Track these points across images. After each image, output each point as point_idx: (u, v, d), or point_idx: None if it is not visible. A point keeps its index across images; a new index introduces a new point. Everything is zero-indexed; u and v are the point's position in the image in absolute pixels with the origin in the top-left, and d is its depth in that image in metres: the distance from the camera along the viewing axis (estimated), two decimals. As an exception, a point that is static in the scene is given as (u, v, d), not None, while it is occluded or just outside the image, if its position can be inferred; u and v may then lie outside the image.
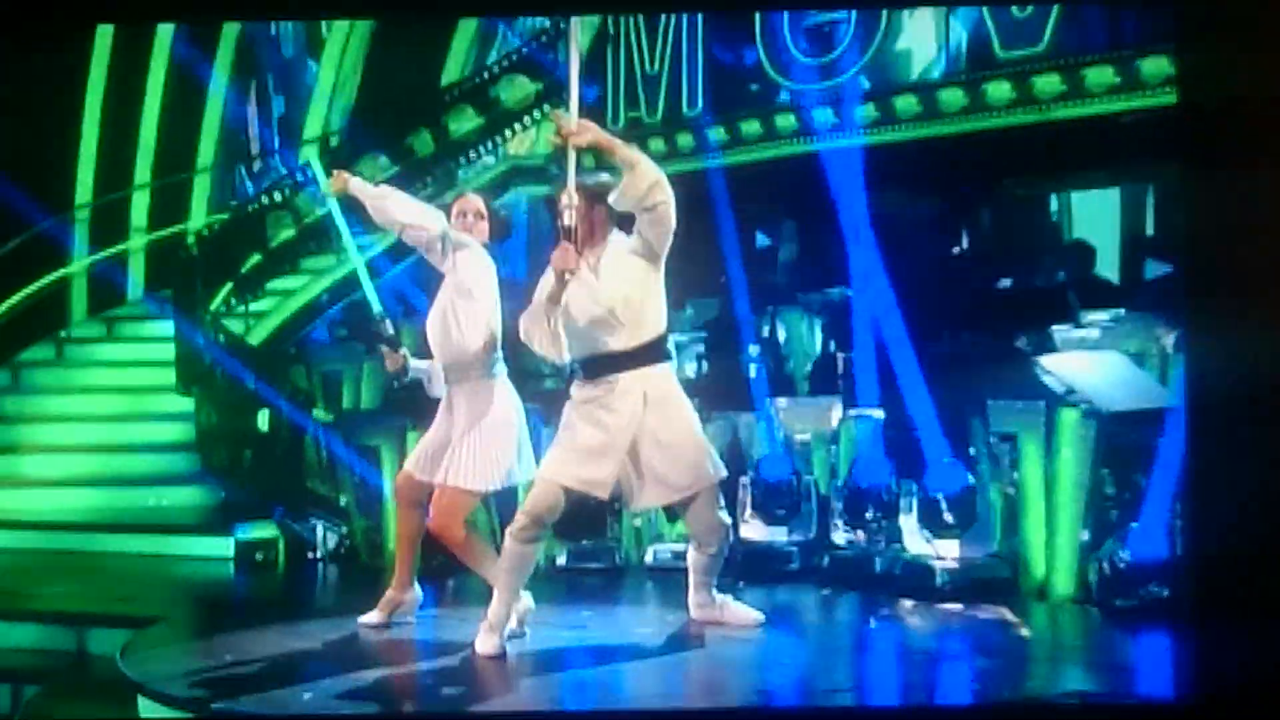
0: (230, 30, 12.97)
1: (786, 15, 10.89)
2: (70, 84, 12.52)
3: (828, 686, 6.05)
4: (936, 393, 8.18)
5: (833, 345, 9.72)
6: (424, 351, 6.70)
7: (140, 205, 12.77)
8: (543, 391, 9.10)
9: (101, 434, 10.62)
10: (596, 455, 6.19)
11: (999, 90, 10.24)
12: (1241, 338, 5.17)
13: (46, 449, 10.54)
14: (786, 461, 8.16)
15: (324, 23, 13.15)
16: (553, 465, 6.28)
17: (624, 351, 6.18)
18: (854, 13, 10.65)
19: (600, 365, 6.21)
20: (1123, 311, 9.11)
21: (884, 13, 10.61)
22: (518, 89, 11.87)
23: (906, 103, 10.65)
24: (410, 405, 7.59)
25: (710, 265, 9.75)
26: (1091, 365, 8.16)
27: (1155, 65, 9.18)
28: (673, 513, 8.07)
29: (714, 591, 6.70)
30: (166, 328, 11.11)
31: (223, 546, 9.02)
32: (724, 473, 6.51)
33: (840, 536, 7.95)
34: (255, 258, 11.34)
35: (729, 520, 6.62)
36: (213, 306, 10.83)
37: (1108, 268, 10.66)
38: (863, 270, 9.62)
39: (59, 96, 12.28)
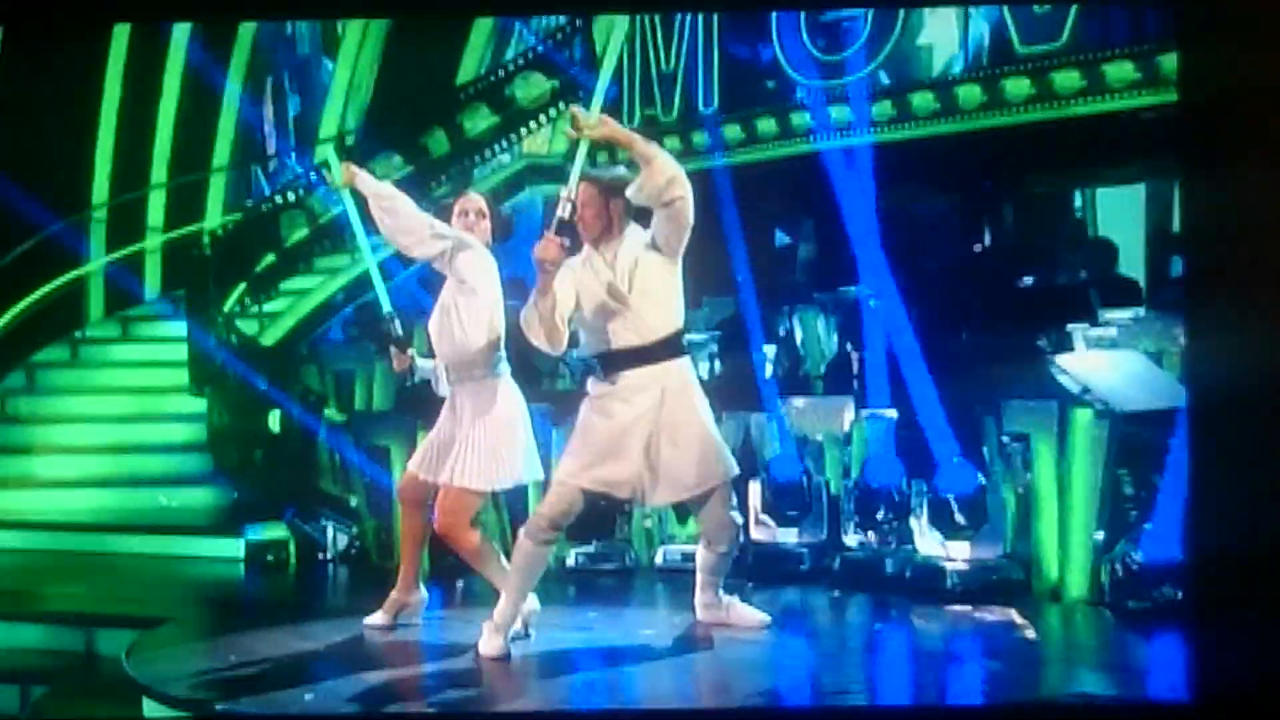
0: (246, 30, 12.95)
1: (803, 13, 10.83)
2: (87, 84, 12.52)
3: (832, 687, 6.01)
4: (950, 392, 8.11)
5: (846, 345, 9.64)
6: (433, 351, 6.66)
7: (156, 205, 12.75)
8: (553, 392, 9.08)
9: (115, 435, 10.59)
10: (613, 453, 6.15)
11: (1018, 86, 10.18)
12: (1243, 337, 5.10)
13: (60, 450, 10.52)
14: (798, 462, 8.09)
15: (340, 22, 13.14)
16: (570, 466, 6.24)
17: (640, 347, 6.16)
18: (870, 10, 10.58)
19: (617, 360, 6.18)
20: (1142, 310, 9.01)
21: (900, 10, 10.53)
22: (533, 87, 11.82)
23: (924, 99, 10.59)
24: (421, 405, 7.54)
25: (724, 264, 9.67)
26: (1108, 364, 8.05)
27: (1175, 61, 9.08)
28: (683, 513, 8.08)
29: (721, 592, 6.65)
30: (181, 328, 11.07)
31: (233, 547, 9.00)
32: (736, 470, 6.47)
33: (851, 538, 7.88)
34: (269, 258, 11.31)
35: (740, 520, 6.57)
36: (226, 307, 10.80)
37: (1130, 266, 10.55)
38: (878, 269, 9.53)
39: (76, 96, 12.30)
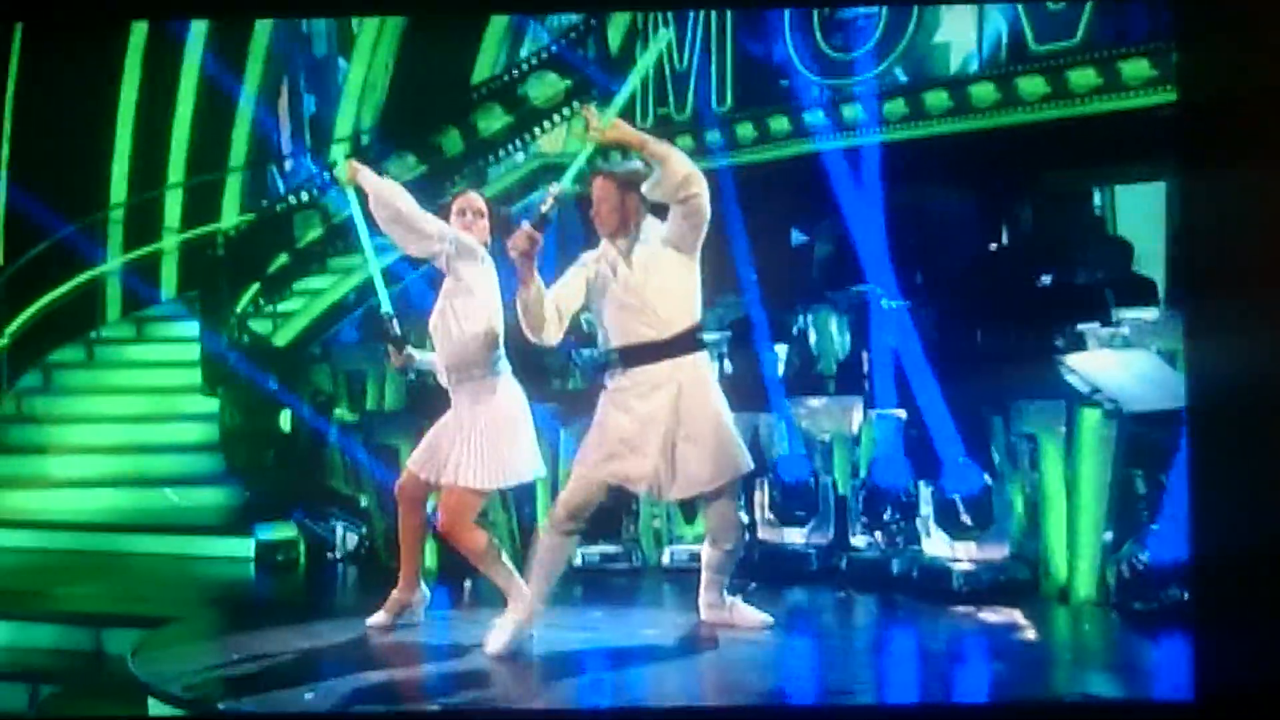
0: (262, 30, 12.98)
1: (816, 11, 10.80)
2: (104, 84, 12.58)
3: (836, 687, 5.98)
4: (959, 392, 8.07)
5: (856, 345, 9.61)
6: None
7: (173, 206, 12.80)
8: (561, 392, 9.08)
9: (129, 435, 10.63)
10: (631, 448, 6.15)
11: (1032, 84, 10.12)
12: (1242, 338, 5.06)
13: (74, 450, 10.56)
14: (806, 462, 8.06)
15: (355, 21, 13.17)
16: (589, 458, 6.25)
17: (657, 342, 6.15)
18: (884, 8, 10.54)
19: (633, 355, 6.18)
20: (1157, 309, 8.95)
21: (914, 8, 10.49)
22: (547, 86, 11.82)
23: (937, 98, 10.55)
24: (432, 406, 7.51)
25: (736, 263, 9.65)
26: (1119, 364, 8.00)
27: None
28: (691, 513, 8.06)
29: (725, 592, 6.62)
30: (196, 328, 11.10)
31: (244, 547, 9.01)
32: (751, 465, 6.46)
33: (859, 538, 7.84)
34: (282, 258, 11.32)
35: (745, 519, 6.55)
36: (239, 307, 10.82)
37: (1150, 265, 10.49)
38: (889, 268, 9.50)
39: (93, 97, 12.36)
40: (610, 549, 8.25)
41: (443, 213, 6.52)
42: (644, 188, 6.11)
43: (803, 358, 9.72)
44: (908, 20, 10.55)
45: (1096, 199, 12.10)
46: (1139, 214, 11.08)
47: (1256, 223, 5.02)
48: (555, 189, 5.98)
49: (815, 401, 8.42)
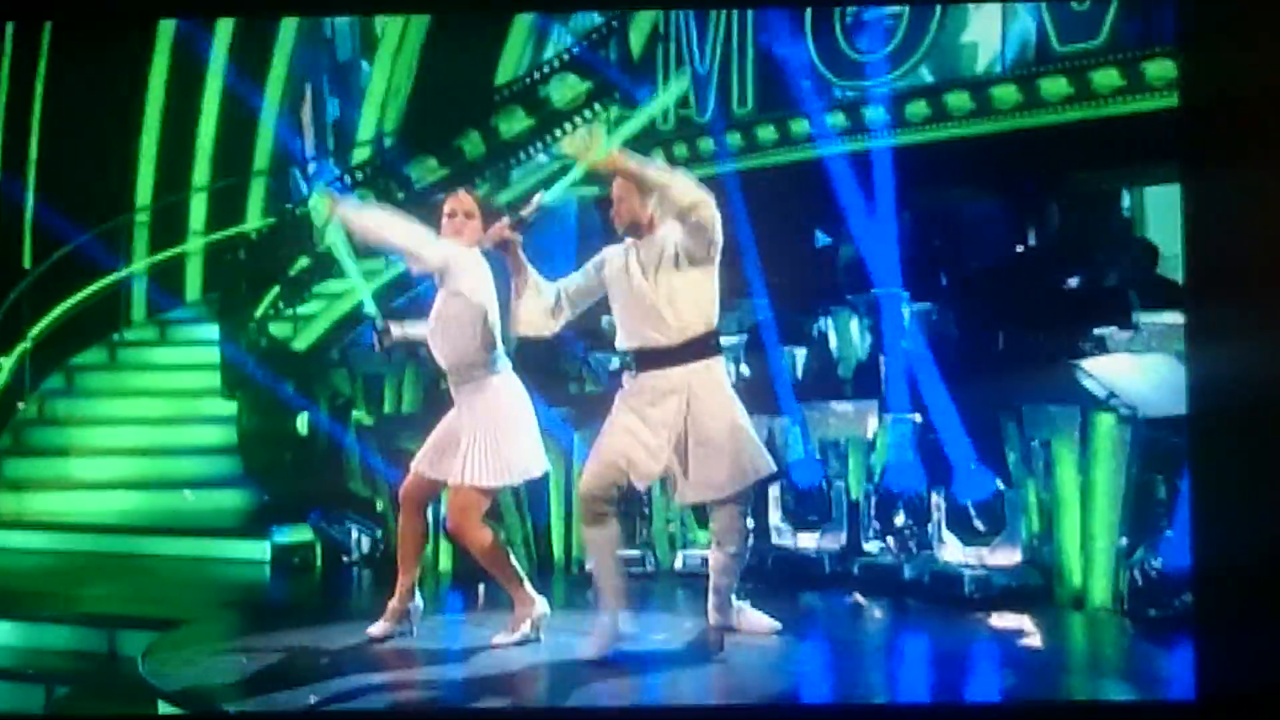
0: (286, 34, 13.01)
1: (838, 13, 10.75)
2: (131, 87, 12.64)
3: (843, 692, 6.00)
4: (976, 397, 8.00)
5: (871, 348, 9.55)
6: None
7: (198, 208, 12.86)
8: (574, 396, 9.06)
9: (149, 437, 10.69)
10: (642, 441, 6.12)
11: (1054, 86, 10.05)
12: (1245, 342, 5.00)
13: (94, 452, 10.62)
14: (819, 466, 8.02)
15: (378, 25, 13.20)
16: (601, 445, 6.22)
17: (671, 347, 6.10)
18: (906, 10, 10.49)
19: (647, 359, 6.15)
20: (1180, 312, 8.85)
21: (936, 9, 10.44)
22: (568, 89, 11.82)
23: (959, 99, 10.48)
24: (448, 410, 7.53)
25: (753, 267, 9.60)
26: (1136, 368, 7.93)
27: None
28: (704, 518, 8.00)
29: (733, 597, 6.58)
30: (217, 331, 11.15)
31: (260, 550, 9.03)
32: (773, 468, 6.43)
33: (871, 543, 7.80)
34: (303, 261, 11.34)
35: (751, 524, 6.50)
36: (259, 310, 10.85)
37: (1174, 268, 10.39)
38: (909, 271, 9.45)
39: (120, 100, 12.42)
40: (624, 553, 8.20)
41: (434, 211, 6.51)
42: (651, 203, 6.08)
43: (818, 361, 9.67)
44: (929, 22, 10.49)
45: (1125, 200, 12.01)
46: (1167, 216, 10.97)
47: (1259, 226, 4.96)
48: (540, 196, 5.99)
49: (830, 405, 8.37)
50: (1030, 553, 7.33)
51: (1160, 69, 9.52)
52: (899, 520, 7.67)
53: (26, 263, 11.84)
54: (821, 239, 11.53)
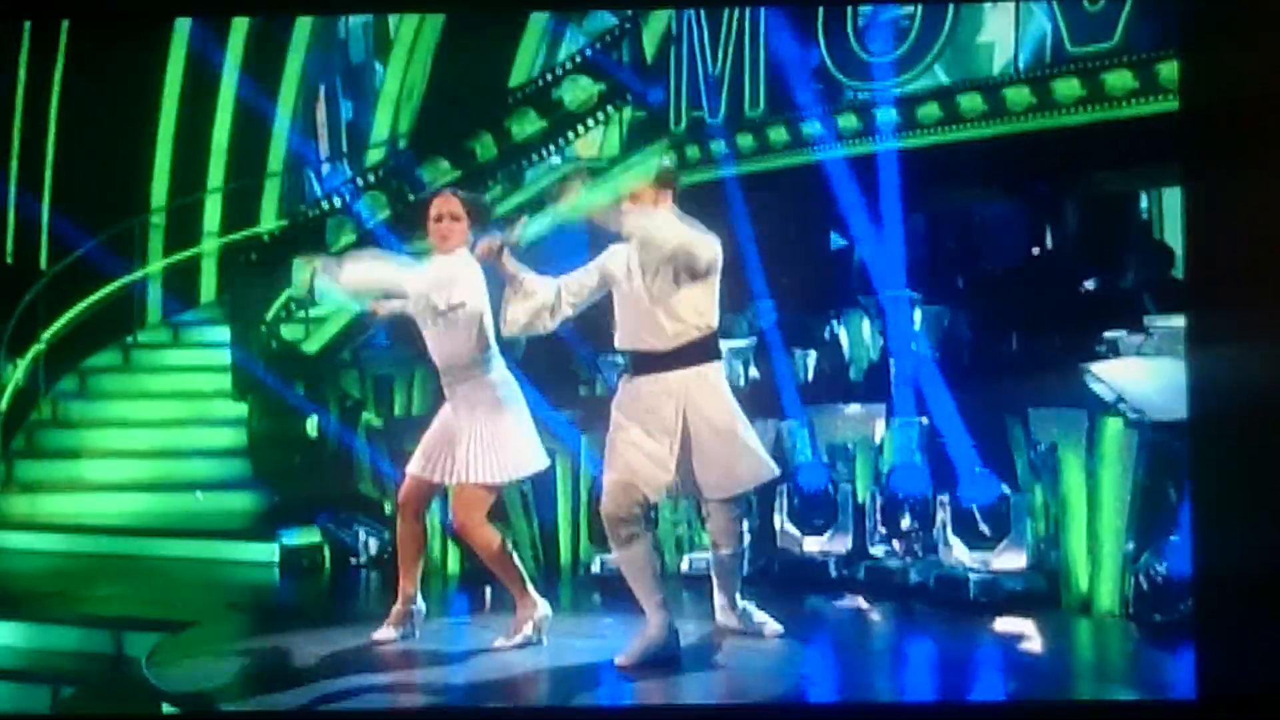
0: (300, 34, 13.03)
1: (849, 15, 10.72)
2: (146, 88, 12.67)
3: (845, 695, 6.01)
4: (985, 400, 7.99)
5: (878, 351, 9.52)
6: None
7: (213, 210, 12.88)
8: (583, 398, 9.05)
9: (161, 439, 10.69)
10: (646, 452, 6.09)
11: (1067, 87, 10.00)
12: (1246, 346, 4.97)
13: (107, 454, 10.64)
14: (825, 470, 7.99)
15: (392, 26, 13.21)
16: (610, 467, 6.19)
17: (665, 352, 6.08)
18: (919, 12, 10.46)
19: (643, 362, 6.13)
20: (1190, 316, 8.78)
21: (949, 11, 10.40)
22: (580, 91, 11.80)
23: (972, 101, 10.44)
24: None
25: (763, 270, 9.59)
26: (1145, 372, 7.87)
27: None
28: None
29: (738, 596, 6.55)
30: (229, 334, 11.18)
31: (269, 552, 9.05)
32: (775, 471, 6.41)
33: (877, 547, 7.78)
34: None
35: (745, 525, 6.48)
36: (270, 313, 10.86)
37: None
38: (919, 273, 9.43)
39: (135, 101, 12.45)
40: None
41: (420, 211, 6.52)
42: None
43: (827, 364, 9.65)
44: (941, 23, 10.45)
45: (1142, 202, 11.97)
46: (1174, 218, 10.94)
47: (1260, 230, 4.93)
48: (524, 221, 6.14)
49: (838, 409, 8.36)
50: (1036, 557, 7.30)
51: (1173, 71, 9.43)
52: (905, 524, 7.65)
53: (43, 264, 11.89)
54: (832, 241, 11.51)
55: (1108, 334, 8.54)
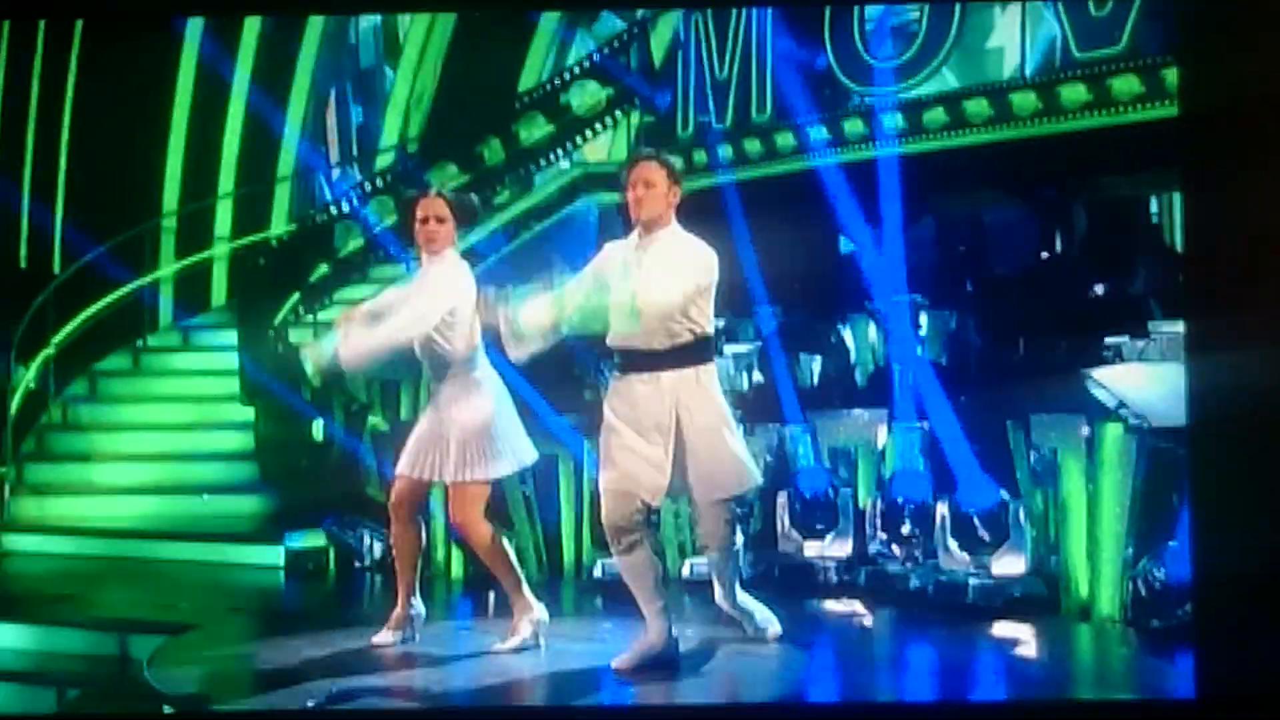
0: (311, 39, 13.07)
1: (856, 20, 10.74)
2: (158, 92, 12.72)
3: (842, 696, 6.03)
4: (986, 405, 7.98)
5: (880, 357, 9.53)
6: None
7: (224, 214, 12.92)
8: (588, 404, 9.05)
9: (170, 443, 10.72)
10: (643, 458, 6.05)
11: (1074, 92, 10.00)
12: (1244, 352, 4.97)
13: (116, 457, 10.67)
14: (826, 475, 8.00)
15: (401, 31, 13.25)
16: (607, 471, 6.16)
17: (660, 351, 6.02)
18: (926, 18, 10.47)
19: (634, 360, 6.06)
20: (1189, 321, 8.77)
21: (955, 15, 10.41)
22: (588, 95, 11.84)
23: (978, 106, 10.45)
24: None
25: (767, 275, 9.61)
26: (1148, 378, 7.87)
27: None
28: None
29: (738, 588, 6.53)
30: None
31: (275, 555, 9.08)
32: (757, 480, 6.37)
33: (877, 552, 7.78)
34: (323, 268, 11.40)
35: (735, 530, 6.45)
36: (279, 317, 10.90)
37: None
38: (924, 278, 9.43)
39: (147, 104, 12.50)
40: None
41: (407, 210, 6.54)
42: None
43: (830, 369, 9.66)
44: (948, 29, 10.46)
45: (1153, 207, 11.94)
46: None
47: (1259, 235, 4.93)
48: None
49: (841, 413, 8.36)
50: (1036, 562, 7.30)
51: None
52: (905, 529, 7.66)
53: (56, 268, 11.95)
54: (836, 246, 11.51)
55: (1112, 339, 8.54)
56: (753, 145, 11.25)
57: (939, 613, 7.22)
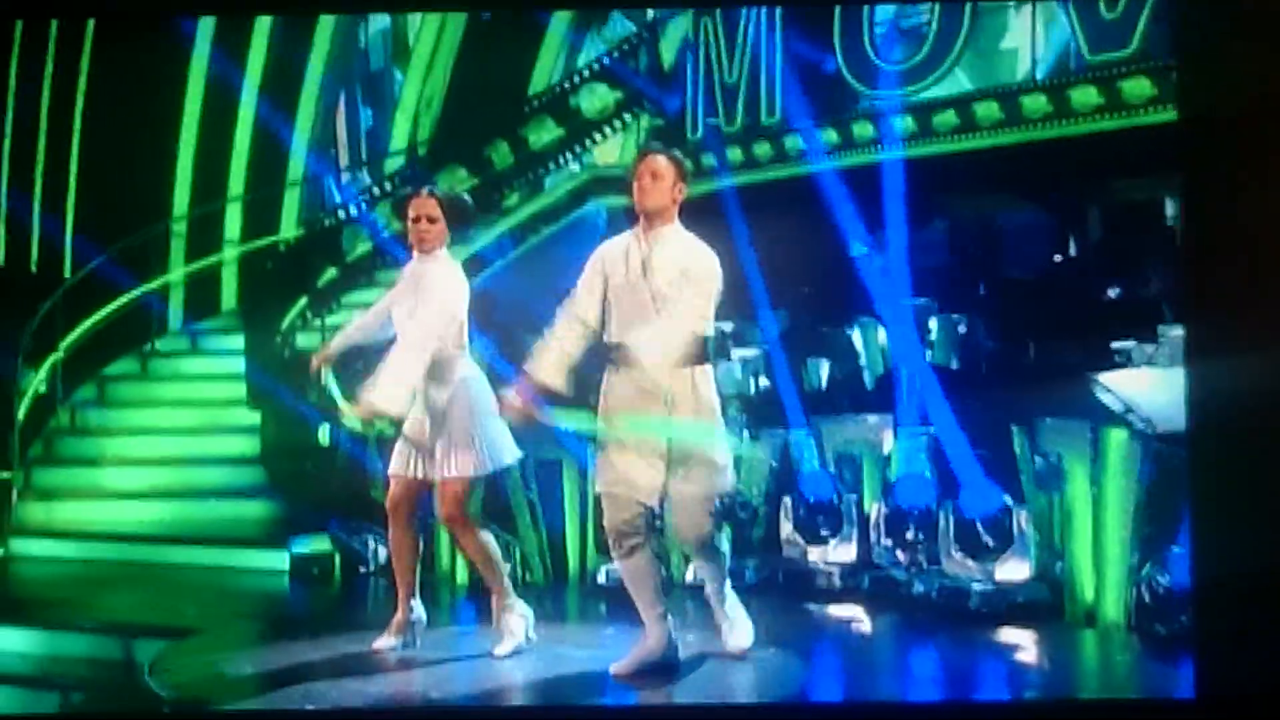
0: (320, 42, 13.06)
1: (866, 22, 10.70)
2: (167, 96, 12.72)
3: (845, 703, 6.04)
4: (992, 410, 7.94)
5: (886, 361, 9.49)
6: None
7: (233, 218, 12.92)
8: (591, 407, 9.02)
9: (177, 447, 10.72)
10: (640, 457, 6.04)
11: (1084, 95, 9.95)
12: (1245, 356, 4.93)
13: (124, 462, 10.68)
14: (830, 480, 7.97)
15: (411, 34, 13.25)
16: (604, 474, 6.17)
17: (659, 348, 5.99)
18: (935, 21, 10.43)
19: (633, 356, 6.04)
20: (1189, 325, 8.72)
21: (964, 20, 10.37)
22: (598, 99, 11.82)
23: (988, 109, 10.40)
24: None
25: (773, 279, 9.56)
26: (1155, 382, 7.83)
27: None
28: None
29: (726, 590, 6.49)
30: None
31: (280, 560, 9.09)
32: (724, 489, 6.27)
33: (881, 557, 7.75)
34: (331, 272, 11.39)
35: (707, 527, 6.37)
36: (286, 321, 10.89)
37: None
38: (933, 282, 9.39)
39: (157, 107, 12.51)
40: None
41: (398, 209, 6.52)
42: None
43: (836, 374, 9.62)
44: (958, 31, 10.42)
45: (1168, 209, 11.87)
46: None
47: (1258, 239, 4.90)
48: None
49: (846, 418, 8.34)
50: (1040, 568, 7.25)
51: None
52: (910, 534, 7.63)
53: (67, 272, 11.96)
54: (843, 250, 11.46)
55: (1122, 344, 8.49)
56: (762, 148, 11.21)
57: (943, 618, 7.20)
